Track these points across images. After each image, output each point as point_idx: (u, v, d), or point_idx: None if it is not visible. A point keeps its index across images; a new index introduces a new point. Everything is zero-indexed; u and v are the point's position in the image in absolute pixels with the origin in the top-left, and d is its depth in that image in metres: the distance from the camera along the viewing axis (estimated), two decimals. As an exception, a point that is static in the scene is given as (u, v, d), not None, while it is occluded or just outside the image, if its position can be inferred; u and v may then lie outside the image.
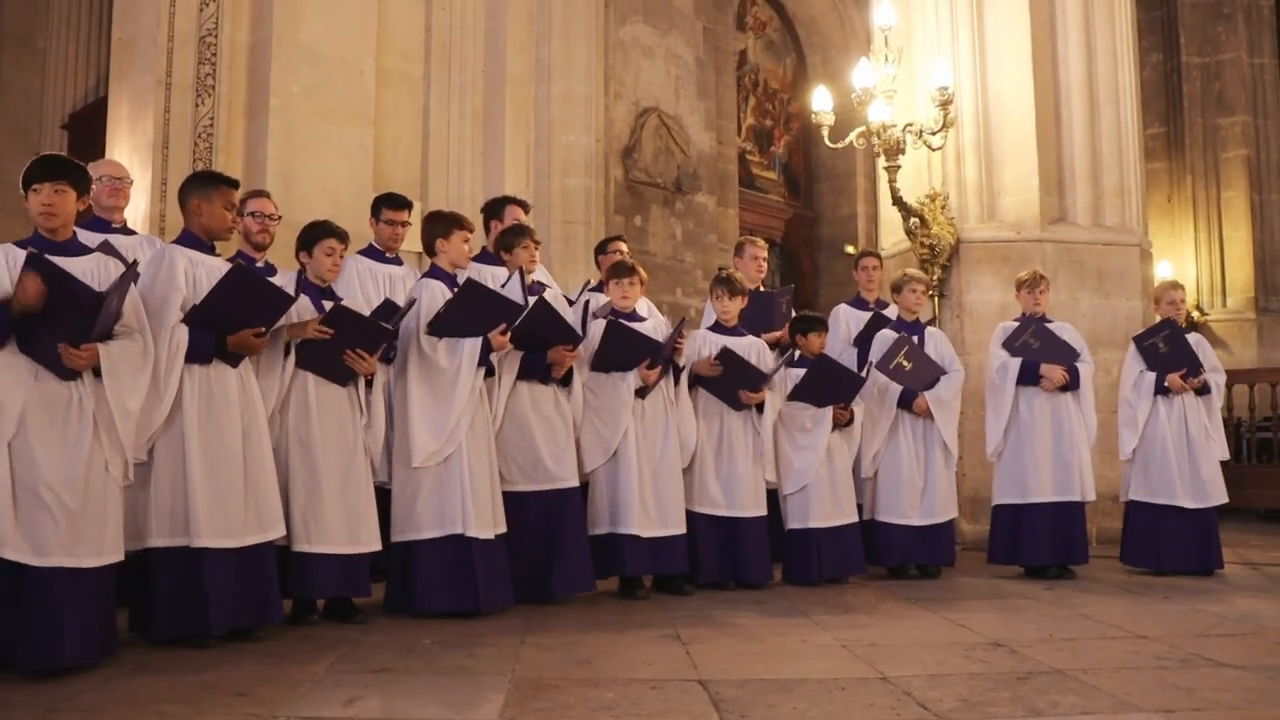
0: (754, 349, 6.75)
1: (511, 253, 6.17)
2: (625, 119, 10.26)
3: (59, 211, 4.35)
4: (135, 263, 4.94)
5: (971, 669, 4.28)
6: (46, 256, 4.18)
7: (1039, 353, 7.21)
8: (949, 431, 7.17)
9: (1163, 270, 13.36)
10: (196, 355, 4.66)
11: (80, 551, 4.14)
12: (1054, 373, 7.15)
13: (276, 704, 3.67)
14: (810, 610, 5.76)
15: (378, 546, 5.33)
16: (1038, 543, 7.12)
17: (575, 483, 6.01)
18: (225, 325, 4.69)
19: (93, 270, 4.36)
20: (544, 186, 9.18)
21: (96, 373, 4.25)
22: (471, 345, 5.50)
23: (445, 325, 5.51)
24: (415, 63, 8.87)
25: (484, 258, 6.48)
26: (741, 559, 6.52)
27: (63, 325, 4.14)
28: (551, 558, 5.83)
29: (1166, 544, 7.27)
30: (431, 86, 8.90)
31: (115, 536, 4.31)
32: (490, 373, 5.67)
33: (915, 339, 7.26)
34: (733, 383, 6.52)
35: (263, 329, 4.80)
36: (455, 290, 5.59)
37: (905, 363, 7.13)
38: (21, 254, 4.20)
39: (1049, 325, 7.34)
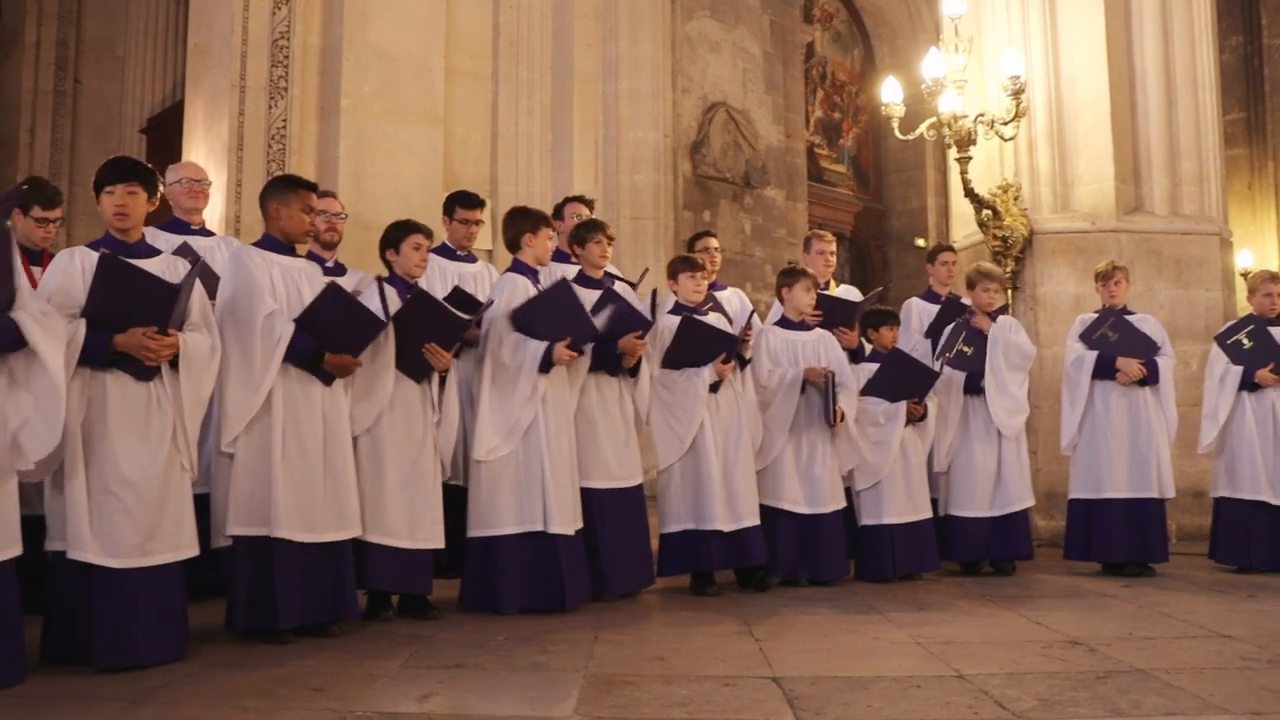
0: (821, 344, 6.71)
1: (584, 247, 6.16)
2: (693, 114, 10.24)
3: (131, 212, 4.44)
4: (199, 259, 5.03)
5: (1050, 667, 4.22)
6: (120, 257, 4.27)
7: (1117, 346, 7.08)
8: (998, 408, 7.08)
9: (1243, 259, 13.04)
10: (295, 356, 4.73)
11: (155, 549, 4.22)
12: (1130, 366, 7.02)
13: (353, 699, 3.71)
14: (884, 607, 5.71)
15: (439, 544, 5.33)
16: (1112, 539, 7.00)
17: (637, 481, 6.02)
18: (320, 342, 4.77)
19: (162, 271, 4.44)
20: (612, 183, 9.20)
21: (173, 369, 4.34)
22: (535, 348, 5.52)
23: (522, 320, 5.53)
24: (483, 61, 8.91)
25: (554, 256, 6.48)
26: (818, 555, 6.49)
27: (139, 322, 4.22)
28: (612, 554, 5.83)
29: (1255, 541, 7.11)
30: (500, 85, 8.94)
31: (190, 532, 4.40)
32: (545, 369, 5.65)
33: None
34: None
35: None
36: (540, 287, 5.61)
37: (965, 348, 7.06)
38: (94, 256, 4.29)
39: (1129, 317, 7.20)
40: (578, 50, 9.24)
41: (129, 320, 4.22)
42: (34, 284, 4.63)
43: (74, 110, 11.17)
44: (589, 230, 6.19)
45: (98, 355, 4.18)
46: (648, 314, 5.99)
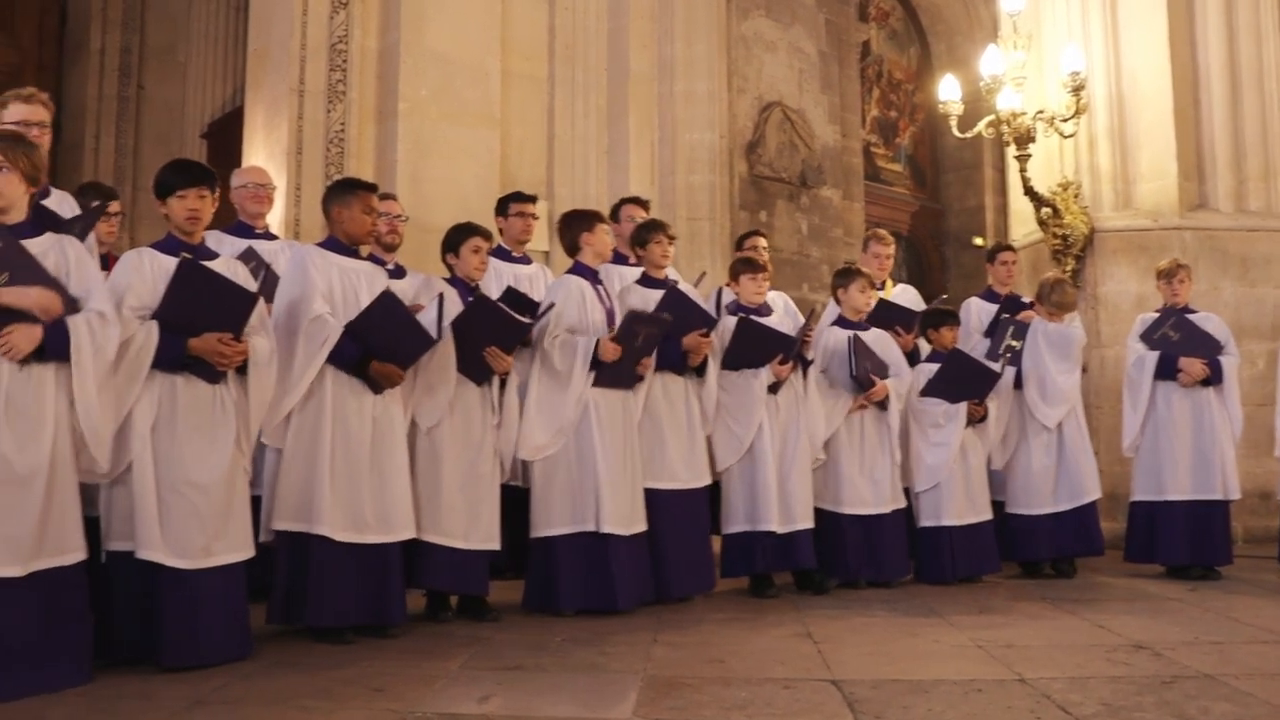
0: (880, 342, 6.67)
1: (646, 248, 6.15)
2: (749, 114, 10.20)
3: (202, 216, 4.50)
4: (266, 265, 5.08)
5: (1114, 672, 4.16)
6: (200, 262, 4.34)
7: (1179, 345, 6.97)
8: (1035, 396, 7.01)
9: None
10: (339, 359, 4.77)
11: (220, 549, 4.28)
12: (1192, 366, 6.91)
13: (413, 700, 3.73)
14: (944, 610, 5.66)
15: (495, 546, 5.35)
16: (1175, 542, 6.88)
17: (703, 483, 6.01)
18: (369, 348, 4.80)
19: (223, 273, 4.47)
20: (668, 184, 9.20)
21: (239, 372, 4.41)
22: (585, 345, 5.53)
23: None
24: (539, 64, 8.94)
25: (613, 258, 6.50)
26: (879, 555, 6.46)
27: (214, 327, 4.28)
28: (673, 557, 5.81)
29: (1325, 545, 6.97)
30: (556, 87, 8.97)
31: (250, 533, 4.47)
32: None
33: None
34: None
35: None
36: (600, 288, 5.62)
37: (1014, 343, 6.99)
38: (163, 258, 4.35)
39: (1191, 316, 7.09)
40: (633, 52, 9.25)
41: (204, 325, 4.27)
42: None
43: (137, 116, 11.35)
44: (650, 231, 6.18)
45: (171, 358, 4.24)
46: (712, 312, 5.99)
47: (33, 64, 11.36)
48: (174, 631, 4.13)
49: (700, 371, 6.02)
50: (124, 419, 4.16)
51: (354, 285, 4.93)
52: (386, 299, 4.83)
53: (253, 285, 4.62)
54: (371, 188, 5.19)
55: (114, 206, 5.57)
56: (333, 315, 4.78)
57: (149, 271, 4.32)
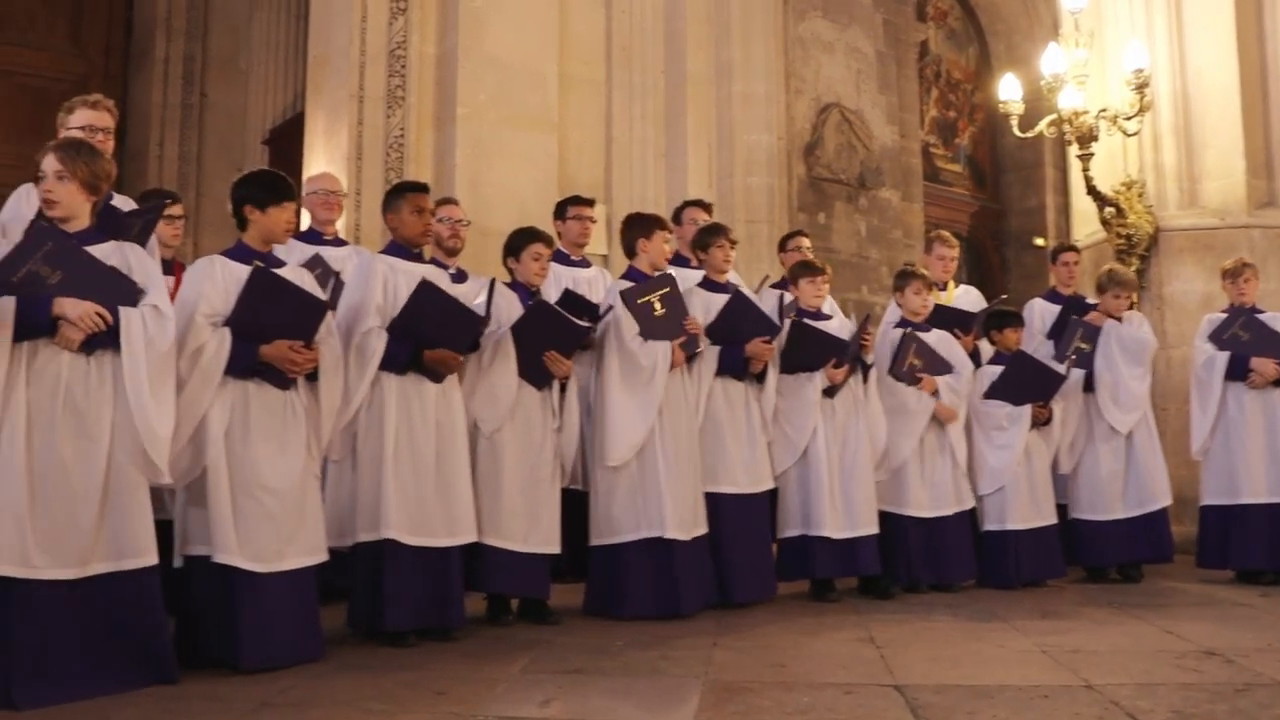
0: (944, 343, 6.61)
1: (707, 252, 6.14)
2: (806, 115, 10.15)
3: (293, 228, 4.56)
4: (335, 272, 5.14)
5: (1184, 679, 4.08)
6: (273, 270, 4.40)
7: (1250, 345, 6.84)
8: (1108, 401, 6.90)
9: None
10: (391, 364, 4.81)
11: (293, 552, 4.33)
12: (1265, 366, 6.78)
13: (474, 703, 3.75)
14: (1008, 614, 5.59)
15: (555, 549, 5.36)
16: (1250, 545, 6.75)
17: (764, 488, 5.99)
18: (421, 339, 4.83)
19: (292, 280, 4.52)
20: (726, 186, 9.17)
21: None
22: (664, 348, 5.54)
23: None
24: (596, 67, 8.96)
25: (675, 261, 6.49)
26: (942, 557, 6.40)
27: (286, 335, 4.34)
28: (735, 562, 5.79)
29: None
30: (613, 90, 8.98)
31: (321, 537, 4.50)
32: None
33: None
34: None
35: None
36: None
37: (1083, 345, 6.91)
38: (234, 265, 4.40)
39: (1260, 316, 6.96)
40: (690, 54, 9.24)
41: (276, 332, 4.32)
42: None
43: (200, 123, 11.48)
44: (712, 235, 6.16)
45: (243, 364, 4.29)
46: (775, 318, 5.97)
47: (99, 74, 11.53)
48: (249, 634, 4.18)
49: (761, 378, 6.00)
50: (198, 424, 4.21)
51: (417, 289, 4.96)
52: (424, 287, 4.85)
53: (320, 293, 4.67)
54: (420, 188, 5.23)
55: (177, 209, 5.65)
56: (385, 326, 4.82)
57: (220, 279, 4.36)
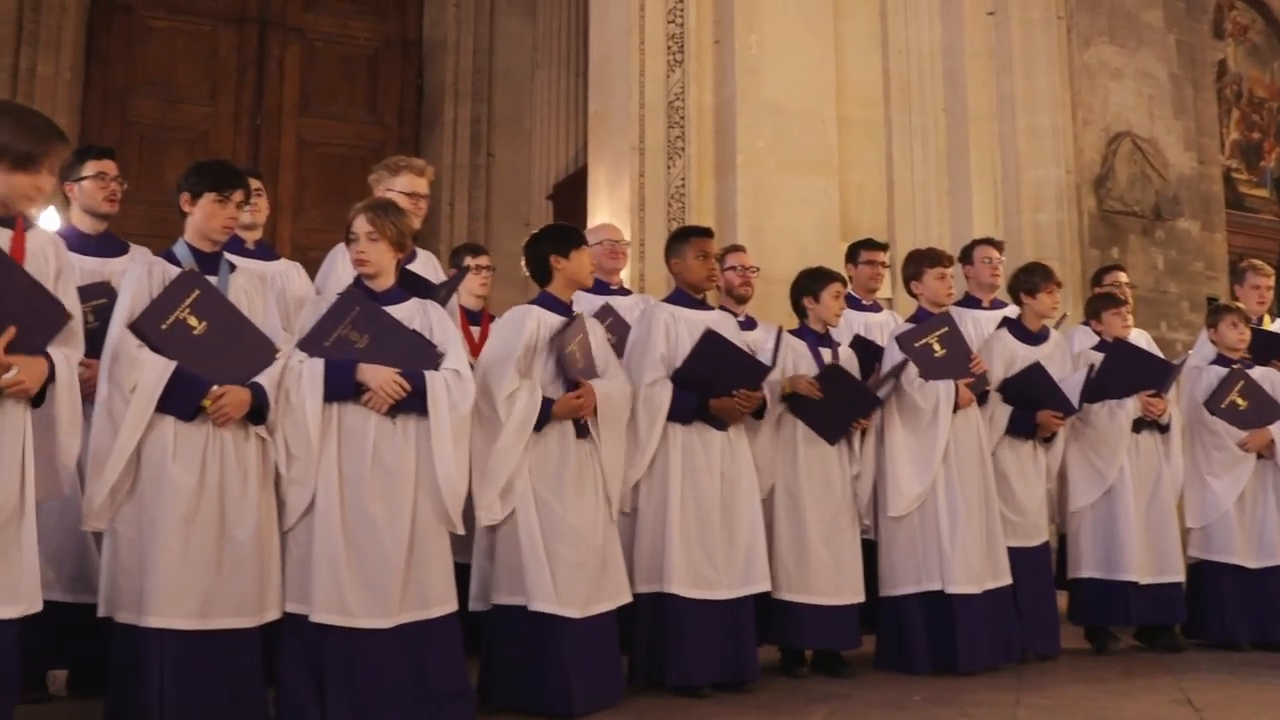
0: (1269, 379, 6.19)
1: (1035, 296, 5.94)
2: (1095, 146, 9.72)
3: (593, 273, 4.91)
4: (623, 320, 5.23)
5: None
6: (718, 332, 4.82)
7: None
8: None
9: None
10: (678, 414, 4.82)
11: (599, 598, 4.41)
12: None
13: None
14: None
15: (861, 598, 5.29)
16: None
17: (1043, 539, 5.78)
18: (705, 389, 4.84)
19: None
20: (1013, 223, 8.89)
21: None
22: (946, 388, 5.38)
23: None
24: (875, 109, 8.86)
25: (966, 301, 6.33)
26: (1268, 612, 5.96)
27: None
28: (1018, 613, 5.57)
29: None
30: (893, 131, 8.86)
31: (624, 579, 4.58)
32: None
33: None
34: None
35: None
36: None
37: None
38: (551, 317, 4.59)
39: None
40: (970, 90, 9.03)
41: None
42: (471, 344, 4.98)
43: (487, 181, 12.03)
44: (1040, 280, 5.96)
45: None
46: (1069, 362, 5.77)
47: (394, 139, 12.25)
48: (555, 680, 4.25)
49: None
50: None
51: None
52: (709, 336, 4.86)
53: (608, 343, 4.78)
54: (704, 232, 5.28)
55: (484, 260, 5.88)
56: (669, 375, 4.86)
57: (535, 328, 4.52)
